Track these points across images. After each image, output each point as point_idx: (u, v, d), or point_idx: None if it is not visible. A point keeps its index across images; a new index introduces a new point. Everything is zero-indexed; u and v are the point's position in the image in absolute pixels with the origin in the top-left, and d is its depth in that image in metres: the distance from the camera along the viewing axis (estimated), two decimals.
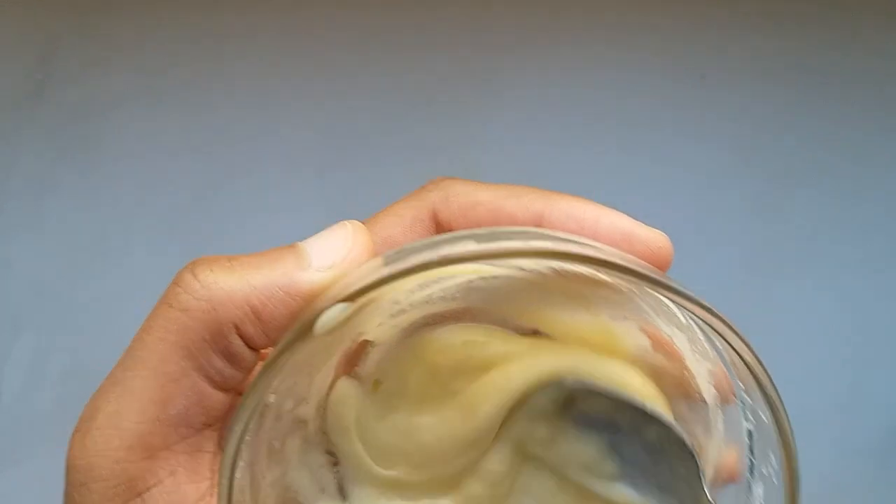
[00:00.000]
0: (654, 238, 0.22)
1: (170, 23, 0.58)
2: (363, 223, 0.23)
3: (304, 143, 0.58)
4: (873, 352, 0.59)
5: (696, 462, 0.20)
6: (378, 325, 0.22)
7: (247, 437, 0.19)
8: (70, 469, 0.20)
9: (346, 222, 0.21)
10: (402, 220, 0.23)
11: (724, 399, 0.22)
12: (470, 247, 0.18)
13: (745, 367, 0.19)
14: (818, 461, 0.57)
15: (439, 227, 0.23)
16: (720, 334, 0.18)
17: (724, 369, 0.21)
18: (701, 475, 0.20)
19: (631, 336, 0.22)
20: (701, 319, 0.18)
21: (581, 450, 0.22)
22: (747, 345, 0.19)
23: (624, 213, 0.22)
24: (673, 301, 0.18)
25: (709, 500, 0.20)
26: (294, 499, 0.22)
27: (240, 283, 0.19)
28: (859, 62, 0.59)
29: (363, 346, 0.22)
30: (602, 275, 0.20)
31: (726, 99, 0.59)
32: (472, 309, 0.22)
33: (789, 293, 0.59)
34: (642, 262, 0.20)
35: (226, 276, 0.19)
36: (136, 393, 0.20)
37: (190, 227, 0.57)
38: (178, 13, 0.58)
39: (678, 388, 0.22)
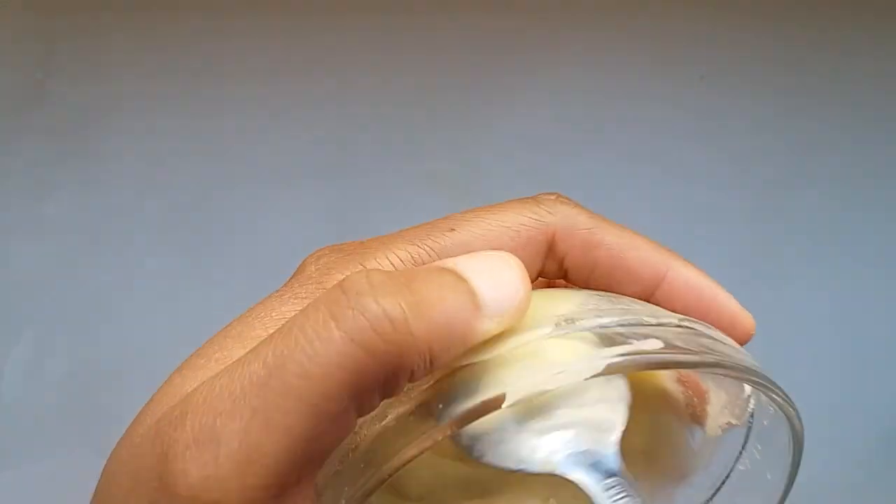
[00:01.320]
0: (748, 322, 0.23)
1: (169, 25, 0.58)
2: (468, 217, 0.22)
3: (303, 144, 0.58)
4: (869, 354, 0.59)
5: None
6: None
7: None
8: (182, 496, 0.17)
9: (503, 256, 0.19)
10: (518, 237, 0.22)
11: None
12: (659, 346, 0.18)
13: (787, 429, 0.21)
14: (813, 463, 0.57)
15: (551, 254, 0.22)
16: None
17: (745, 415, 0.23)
18: None
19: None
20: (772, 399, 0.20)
21: None
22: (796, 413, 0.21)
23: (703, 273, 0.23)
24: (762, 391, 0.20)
25: None
26: None
27: (425, 324, 0.17)
28: (859, 63, 0.59)
29: None
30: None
31: (725, 99, 0.59)
32: None
33: (787, 294, 0.59)
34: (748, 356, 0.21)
35: (411, 313, 0.17)
36: (283, 426, 0.17)
37: (189, 228, 0.57)
38: (177, 15, 0.58)
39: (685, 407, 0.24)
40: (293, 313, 0.18)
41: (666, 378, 0.24)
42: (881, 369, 0.59)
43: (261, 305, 0.21)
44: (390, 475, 0.17)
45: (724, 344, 0.20)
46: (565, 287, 0.23)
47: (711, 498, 0.24)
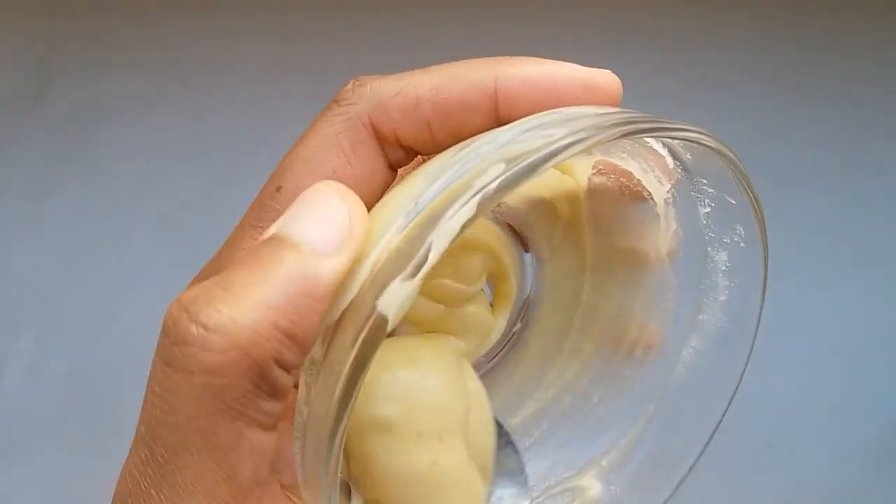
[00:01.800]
0: (607, 80, 0.21)
1: (169, 26, 0.58)
2: (288, 163, 0.20)
3: None
4: (869, 353, 0.59)
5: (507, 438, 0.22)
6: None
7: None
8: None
9: (321, 186, 0.17)
10: (343, 150, 0.20)
11: (675, 186, 0.22)
12: (499, 174, 0.16)
13: (714, 154, 0.19)
14: (815, 462, 0.57)
15: (383, 140, 0.20)
16: (692, 141, 0.19)
17: (674, 169, 0.22)
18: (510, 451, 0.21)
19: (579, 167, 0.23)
20: (677, 138, 0.19)
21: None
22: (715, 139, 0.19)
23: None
24: (655, 137, 0.19)
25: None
26: None
27: (257, 310, 0.16)
28: (859, 64, 0.59)
29: None
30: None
31: (726, 98, 0.59)
32: None
33: (786, 294, 0.59)
34: (618, 112, 0.19)
35: (238, 308, 0.16)
36: (192, 485, 0.16)
37: (189, 227, 0.57)
38: (177, 16, 0.58)
39: (623, 194, 0.23)
40: None
41: (583, 177, 0.23)
42: (881, 369, 0.59)
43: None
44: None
45: (577, 118, 0.18)
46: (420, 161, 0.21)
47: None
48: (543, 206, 0.24)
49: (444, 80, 0.19)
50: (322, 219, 0.16)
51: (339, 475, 0.17)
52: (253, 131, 0.58)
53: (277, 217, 0.18)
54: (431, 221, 0.16)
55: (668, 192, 0.22)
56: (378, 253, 0.16)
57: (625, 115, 0.18)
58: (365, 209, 0.17)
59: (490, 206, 0.16)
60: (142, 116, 0.58)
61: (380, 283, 0.16)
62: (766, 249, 0.21)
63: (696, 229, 0.23)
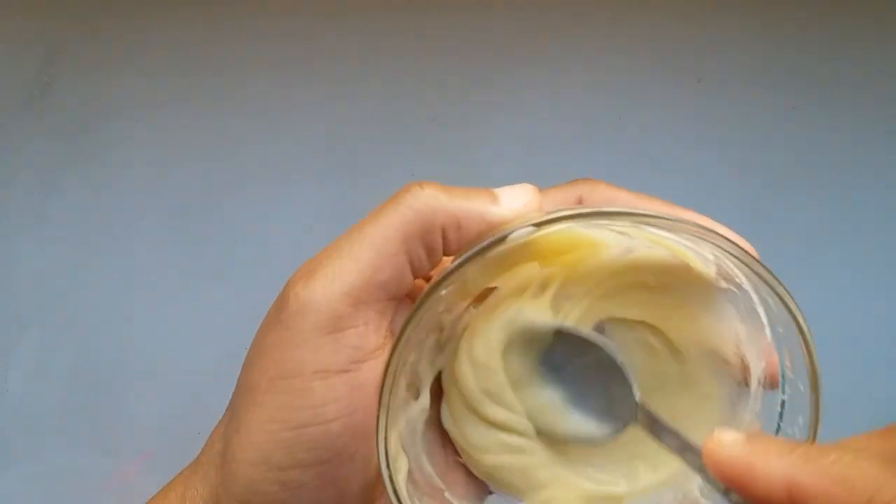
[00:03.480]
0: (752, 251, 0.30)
1: (173, 27, 0.58)
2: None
3: (305, 145, 0.58)
4: (870, 352, 0.59)
5: (627, 379, 0.26)
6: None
7: (418, 317, 0.25)
8: (290, 300, 0.26)
9: (527, 185, 0.27)
10: (555, 200, 0.29)
11: (772, 379, 0.27)
12: (639, 210, 0.25)
13: (801, 347, 0.26)
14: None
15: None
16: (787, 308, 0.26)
17: (775, 353, 0.27)
18: (633, 388, 0.26)
19: (686, 327, 0.29)
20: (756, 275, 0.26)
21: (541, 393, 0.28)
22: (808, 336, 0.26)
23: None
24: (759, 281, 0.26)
25: (641, 408, 0.26)
26: (414, 383, 0.28)
27: (452, 201, 0.26)
28: (855, 66, 0.59)
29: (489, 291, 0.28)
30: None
31: (723, 102, 0.59)
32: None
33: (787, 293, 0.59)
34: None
35: (444, 194, 0.26)
36: (358, 257, 0.26)
37: (192, 227, 0.58)
38: (181, 18, 0.58)
39: (724, 363, 0.28)
40: None
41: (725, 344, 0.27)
42: (881, 368, 0.59)
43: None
44: (417, 308, 0.25)
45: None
46: None
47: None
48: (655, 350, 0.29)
49: (635, 199, 0.31)
50: (515, 193, 0.27)
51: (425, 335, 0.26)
52: (257, 131, 0.58)
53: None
54: (566, 212, 0.25)
55: (763, 370, 0.27)
56: (523, 220, 0.26)
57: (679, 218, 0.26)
58: (540, 205, 0.27)
59: (616, 217, 0.25)
60: (146, 117, 0.58)
61: (516, 225, 0.25)
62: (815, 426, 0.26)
63: (772, 415, 0.27)
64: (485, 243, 0.24)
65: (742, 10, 0.59)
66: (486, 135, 0.59)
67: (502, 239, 0.24)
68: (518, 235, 0.24)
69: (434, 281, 0.24)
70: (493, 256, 0.25)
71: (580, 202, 0.29)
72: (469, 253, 0.24)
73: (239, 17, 0.59)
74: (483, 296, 0.27)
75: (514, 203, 0.26)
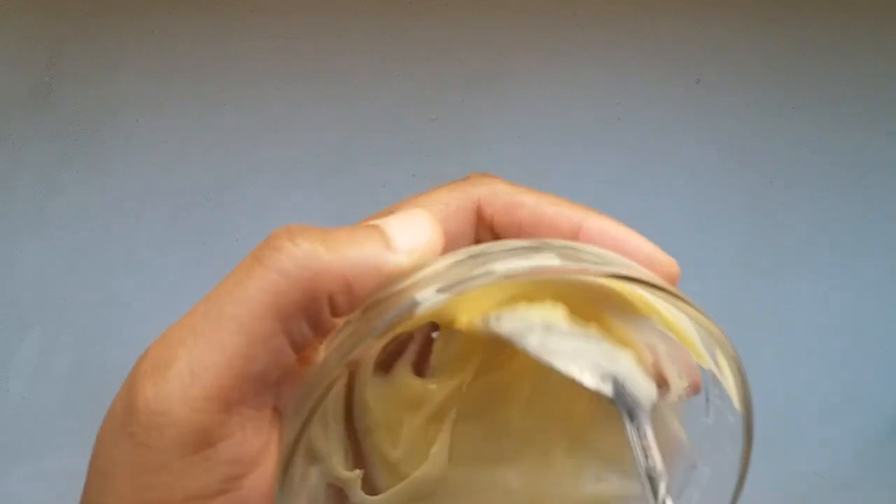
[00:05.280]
0: (668, 263, 0.25)
1: (175, 27, 0.58)
2: (404, 202, 0.25)
3: (306, 145, 0.58)
4: (869, 350, 0.59)
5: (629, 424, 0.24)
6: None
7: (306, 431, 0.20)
8: (140, 411, 0.20)
9: (418, 211, 0.23)
10: (447, 208, 0.25)
11: (694, 387, 0.24)
12: (555, 262, 0.21)
13: (732, 378, 0.22)
14: (814, 460, 0.58)
15: (481, 220, 0.25)
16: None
17: (692, 367, 0.24)
18: (632, 436, 0.23)
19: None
20: (705, 331, 0.22)
21: None
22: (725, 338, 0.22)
23: (633, 227, 0.25)
24: (687, 315, 0.22)
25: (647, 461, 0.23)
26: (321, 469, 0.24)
27: (337, 256, 0.21)
28: (853, 65, 0.59)
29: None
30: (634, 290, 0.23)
31: (722, 102, 0.59)
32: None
33: (784, 294, 0.59)
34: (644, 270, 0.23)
35: (323, 248, 0.21)
36: (222, 346, 0.20)
37: (193, 228, 0.58)
38: (183, 17, 0.58)
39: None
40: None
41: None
42: (881, 368, 0.59)
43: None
44: (319, 399, 0.20)
45: (629, 264, 0.22)
46: None
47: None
48: None
49: (546, 201, 0.25)
50: (411, 228, 0.22)
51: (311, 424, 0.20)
52: (258, 132, 0.58)
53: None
54: (476, 263, 0.21)
55: (684, 388, 0.25)
56: (429, 270, 0.21)
57: (642, 273, 0.22)
58: (441, 239, 0.22)
59: (525, 276, 0.20)
60: (147, 117, 0.58)
61: (421, 284, 0.21)
62: (742, 478, 0.23)
63: (700, 436, 0.24)
64: (385, 321, 0.20)
65: (742, 10, 0.59)
66: (486, 135, 0.59)
67: (408, 312, 0.20)
68: (426, 308, 0.20)
69: (324, 377, 0.20)
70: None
71: (480, 213, 0.25)
72: (362, 336, 0.20)
73: (239, 17, 0.59)
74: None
75: (411, 244, 0.22)
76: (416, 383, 0.25)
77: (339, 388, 0.23)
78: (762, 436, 0.60)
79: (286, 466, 0.20)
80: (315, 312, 0.21)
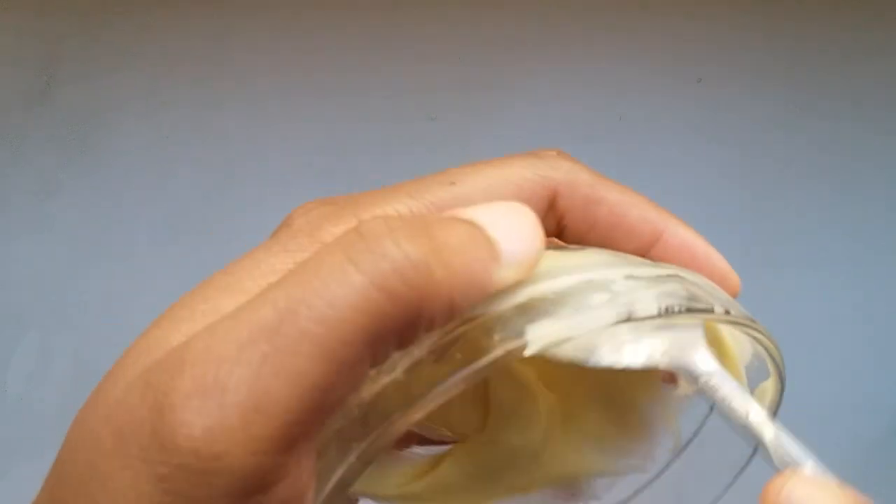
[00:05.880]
0: (736, 282, 0.24)
1: (173, 26, 0.58)
2: (468, 171, 0.21)
3: (305, 144, 0.58)
4: (869, 350, 0.59)
5: None
6: None
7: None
8: (181, 449, 0.15)
9: (523, 208, 0.18)
10: (520, 192, 0.21)
11: None
12: (699, 306, 0.18)
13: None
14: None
15: (551, 210, 0.22)
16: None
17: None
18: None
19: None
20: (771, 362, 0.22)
21: None
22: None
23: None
24: (766, 351, 0.22)
25: None
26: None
27: (447, 272, 0.16)
28: (855, 66, 0.59)
29: None
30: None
31: (723, 101, 0.59)
32: None
33: (787, 294, 0.59)
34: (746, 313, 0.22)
35: (435, 259, 0.16)
36: (298, 374, 0.15)
37: (192, 227, 0.58)
38: (181, 16, 0.58)
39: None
40: (285, 266, 0.18)
41: None
42: (881, 368, 0.59)
43: (247, 258, 0.19)
44: (395, 435, 0.16)
45: (720, 292, 0.21)
46: (562, 244, 0.23)
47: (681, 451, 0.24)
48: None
49: (629, 200, 0.22)
50: (516, 232, 0.18)
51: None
52: (258, 132, 0.58)
53: (444, 204, 0.19)
54: (614, 303, 0.17)
55: (693, 391, 0.23)
56: (545, 287, 0.17)
57: (744, 315, 0.21)
58: (543, 238, 0.18)
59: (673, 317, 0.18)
60: (146, 117, 0.58)
61: (536, 313, 0.17)
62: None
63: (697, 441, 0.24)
64: (481, 366, 0.16)
65: (742, 10, 0.59)
66: (486, 135, 0.59)
67: (517, 353, 0.16)
68: (538, 349, 0.16)
69: (389, 426, 0.16)
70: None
71: (553, 199, 0.21)
72: (449, 386, 0.16)
73: (239, 17, 0.58)
74: None
75: (517, 255, 0.17)
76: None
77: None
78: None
79: None
80: (409, 339, 0.16)
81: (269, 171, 0.58)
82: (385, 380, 0.17)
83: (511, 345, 0.16)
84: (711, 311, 0.19)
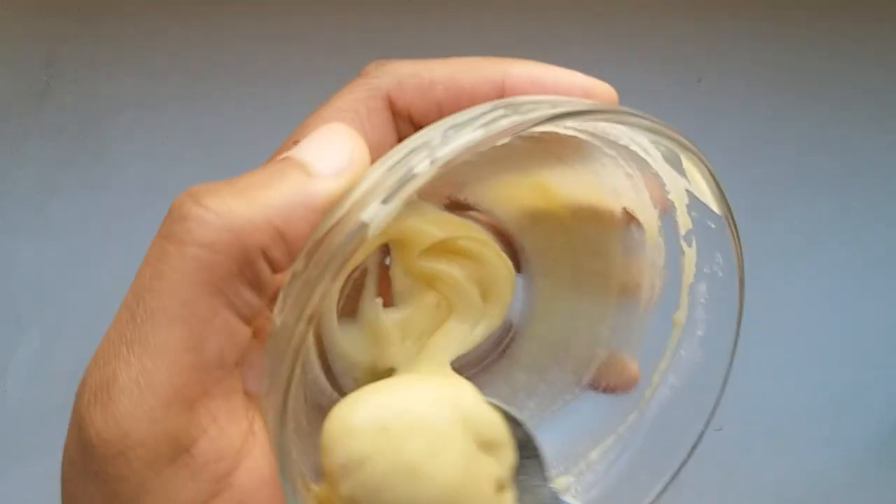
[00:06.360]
0: (607, 91, 0.23)
1: (172, 26, 0.58)
2: (307, 122, 0.22)
3: None
4: (870, 351, 0.59)
5: (539, 458, 0.22)
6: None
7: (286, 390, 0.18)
8: (95, 444, 0.18)
9: (328, 126, 0.20)
10: (358, 115, 0.22)
11: (663, 209, 0.23)
12: (499, 124, 0.18)
13: (703, 179, 0.21)
14: (815, 460, 0.57)
15: (396, 114, 0.22)
16: (684, 148, 0.21)
17: (664, 195, 0.22)
18: (543, 469, 0.22)
19: (567, 185, 0.24)
20: (665, 140, 0.20)
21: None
22: (708, 163, 0.21)
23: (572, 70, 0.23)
24: (642, 132, 0.20)
25: (551, 492, 0.22)
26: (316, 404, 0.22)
27: (257, 206, 0.18)
28: (854, 65, 0.59)
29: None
30: (570, 129, 0.21)
31: (722, 101, 0.59)
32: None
33: (784, 295, 0.59)
34: (587, 101, 0.21)
35: (239, 201, 0.18)
36: (162, 345, 0.17)
37: None
38: (180, 16, 0.58)
39: (610, 221, 0.24)
40: None
41: (569, 194, 0.24)
42: (881, 368, 0.59)
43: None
44: (292, 367, 0.17)
45: (551, 100, 0.20)
46: None
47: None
48: (537, 221, 0.24)
49: (458, 70, 0.21)
50: (328, 147, 0.19)
51: (292, 386, 0.18)
52: (257, 131, 0.58)
53: None
54: (417, 157, 0.18)
55: (658, 218, 0.23)
56: (366, 185, 0.18)
57: (588, 103, 0.20)
58: (367, 149, 0.19)
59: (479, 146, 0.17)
60: (147, 116, 0.58)
61: (363, 203, 0.17)
62: (741, 273, 0.22)
63: (678, 260, 0.23)
64: (336, 259, 0.17)
65: (742, 10, 0.59)
66: None
67: (358, 237, 0.17)
68: (377, 225, 0.17)
69: (289, 341, 0.18)
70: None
71: (392, 105, 0.22)
72: (315, 283, 0.17)
73: (239, 16, 0.59)
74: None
75: (335, 164, 0.18)
76: (385, 319, 0.23)
77: (306, 346, 0.21)
78: (761, 437, 0.61)
79: (280, 445, 0.18)
80: (253, 275, 0.18)
81: None
82: (278, 318, 0.18)
83: (346, 237, 0.17)
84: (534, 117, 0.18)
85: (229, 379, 0.19)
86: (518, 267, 0.25)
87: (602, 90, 0.23)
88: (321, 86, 0.59)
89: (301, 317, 0.17)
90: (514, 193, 0.24)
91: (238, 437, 0.19)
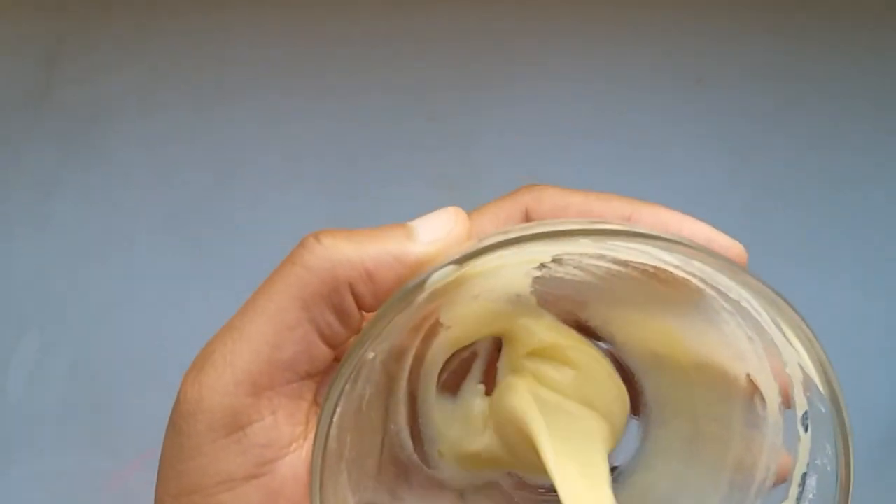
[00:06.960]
0: (732, 246, 0.24)
1: (173, 25, 0.58)
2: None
3: (305, 144, 0.58)
4: (869, 350, 0.59)
5: None
6: (454, 308, 0.24)
7: (346, 388, 0.20)
8: (181, 401, 0.22)
9: (450, 208, 0.23)
10: (497, 218, 0.25)
11: (785, 399, 0.22)
12: (575, 225, 0.20)
13: (808, 357, 0.21)
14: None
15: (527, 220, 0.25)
16: (791, 326, 0.20)
17: (782, 367, 0.22)
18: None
19: (692, 337, 0.23)
20: (770, 310, 0.20)
21: None
22: (814, 337, 0.21)
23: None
24: (746, 289, 0.20)
25: None
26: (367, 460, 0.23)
27: (357, 248, 0.22)
28: (856, 66, 0.59)
29: (435, 327, 0.24)
30: (679, 269, 0.21)
31: (723, 102, 0.59)
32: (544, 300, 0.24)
33: (786, 294, 0.59)
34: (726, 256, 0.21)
35: (345, 242, 0.22)
36: (252, 336, 0.22)
37: (192, 227, 0.58)
38: (180, 16, 0.58)
39: (735, 386, 0.23)
40: None
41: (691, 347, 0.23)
42: (881, 368, 0.59)
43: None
44: (346, 378, 0.20)
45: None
46: None
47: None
48: (660, 366, 0.24)
49: (593, 199, 0.24)
50: (434, 220, 0.22)
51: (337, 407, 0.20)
52: (255, 133, 0.58)
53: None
54: (492, 237, 0.20)
55: (778, 393, 0.22)
56: (456, 251, 0.21)
57: (669, 233, 0.20)
58: (468, 230, 0.23)
59: (544, 239, 0.19)
60: (145, 117, 0.58)
61: (439, 263, 0.20)
62: (847, 476, 0.20)
63: (794, 446, 0.22)
64: (397, 296, 0.20)
65: (742, 10, 0.59)
66: (486, 135, 0.59)
67: (419, 286, 0.20)
68: (437, 278, 0.20)
69: (352, 345, 0.21)
70: (415, 308, 0.21)
71: (527, 218, 0.24)
72: (380, 315, 0.20)
73: (239, 16, 0.59)
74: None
75: (433, 235, 0.22)
76: (479, 404, 0.25)
77: (401, 392, 0.23)
78: None
79: (323, 443, 0.20)
80: (338, 301, 0.22)
81: (268, 171, 0.58)
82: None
83: (412, 283, 0.20)
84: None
85: (298, 384, 0.22)
86: (636, 410, 0.25)
87: (727, 244, 0.24)
88: (322, 85, 0.59)
89: (360, 342, 0.20)
90: (639, 332, 0.24)
91: (290, 434, 0.22)
